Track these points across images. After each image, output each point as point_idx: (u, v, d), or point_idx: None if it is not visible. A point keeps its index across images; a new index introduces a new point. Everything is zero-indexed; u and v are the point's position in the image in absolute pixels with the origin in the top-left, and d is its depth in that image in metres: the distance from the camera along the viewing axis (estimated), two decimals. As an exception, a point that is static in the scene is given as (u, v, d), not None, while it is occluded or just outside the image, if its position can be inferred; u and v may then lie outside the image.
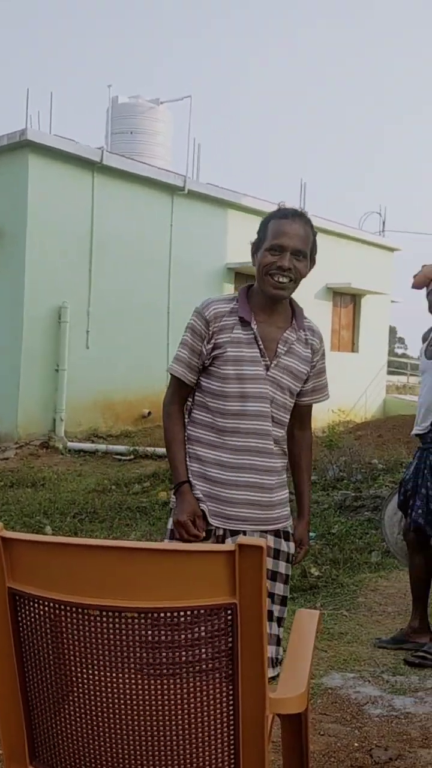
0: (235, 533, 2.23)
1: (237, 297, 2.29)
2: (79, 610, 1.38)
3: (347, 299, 17.43)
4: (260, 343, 2.22)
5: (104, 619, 1.35)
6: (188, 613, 1.33)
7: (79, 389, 11.71)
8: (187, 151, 15.49)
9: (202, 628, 1.34)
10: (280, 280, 2.19)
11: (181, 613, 1.33)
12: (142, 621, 1.34)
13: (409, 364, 26.90)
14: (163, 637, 1.35)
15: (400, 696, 3.08)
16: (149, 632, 1.35)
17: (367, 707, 2.99)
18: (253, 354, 2.21)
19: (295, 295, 2.37)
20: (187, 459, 2.29)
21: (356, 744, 2.69)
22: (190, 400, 2.34)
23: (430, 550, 3.67)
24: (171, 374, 2.33)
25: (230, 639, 1.35)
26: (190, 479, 2.26)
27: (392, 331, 29.73)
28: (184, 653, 1.37)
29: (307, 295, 15.63)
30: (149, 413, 12.21)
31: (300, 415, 2.41)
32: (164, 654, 1.37)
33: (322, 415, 14.68)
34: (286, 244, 2.17)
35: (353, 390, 17.02)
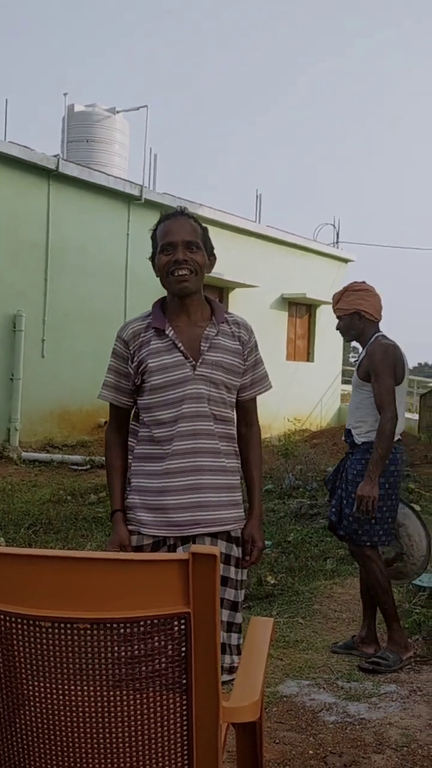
0: (185, 541, 2.23)
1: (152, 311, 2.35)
2: (31, 621, 1.37)
3: (302, 309, 17.60)
4: (180, 346, 2.25)
5: (56, 630, 1.34)
6: (141, 623, 1.32)
7: (35, 399, 11.57)
8: (144, 160, 15.43)
9: (156, 639, 1.34)
10: (180, 273, 2.23)
11: (135, 624, 1.32)
12: (95, 632, 1.33)
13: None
14: (116, 648, 1.34)
15: (354, 702, 3.11)
16: (102, 643, 1.34)
17: (322, 714, 3.01)
18: (175, 359, 2.24)
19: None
20: (134, 479, 2.33)
21: (311, 751, 2.70)
22: (134, 422, 2.38)
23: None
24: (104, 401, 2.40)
25: (183, 648, 1.35)
26: (134, 499, 2.30)
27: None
28: (137, 664, 1.36)
29: (263, 306, 15.74)
30: (105, 422, 12.05)
31: (244, 411, 2.43)
32: (117, 665, 1.36)
33: (277, 424, 14.78)
34: (174, 240, 2.24)
35: (309, 399, 17.18)
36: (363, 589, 3.75)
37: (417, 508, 4.02)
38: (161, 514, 2.23)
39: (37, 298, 11.66)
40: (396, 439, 3.56)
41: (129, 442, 2.38)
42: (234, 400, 2.35)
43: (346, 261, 19.01)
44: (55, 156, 11.98)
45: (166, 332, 2.26)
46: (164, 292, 2.36)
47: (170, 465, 2.23)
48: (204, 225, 2.36)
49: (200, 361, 2.25)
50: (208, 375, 2.25)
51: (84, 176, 12.24)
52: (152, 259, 2.32)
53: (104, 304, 12.58)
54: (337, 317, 3.72)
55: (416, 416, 15.72)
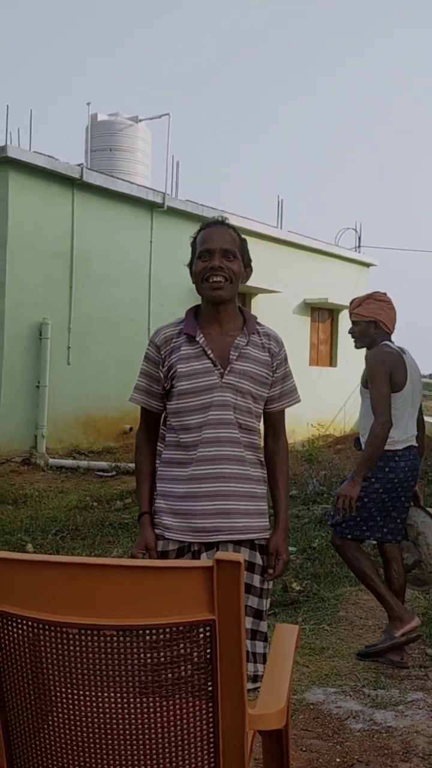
0: (209, 547, 2.24)
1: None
2: (58, 628, 1.38)
3: (325, 314, 17.54)
4: (209, 353, 2.27)
5: (83, 637, 1.36)
6: (167, 630, 1.33)
7: (61, 405, 11.66)
8: (166, 168, 15.59)
9: (181, 646, 1.35)
10: (215, 279, 2.26)
11: (160, 631, 1.34)
12: (121, 639, 1.35)
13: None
14: (141, 655, 1.36)
15: (381, 710, 3.09)
16: (128, 650, 1.35)
17: (348, 722, 2.99)
18: (204, 366, 2.27)
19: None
20: (160, 483, 2.35)
21: (338, 759, 2.69)
22: (164, 427, 2.40)
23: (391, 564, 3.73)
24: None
25: (209, 656, 1.36)
26: (160, 503, 2.33)
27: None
28: (163, 671, 1.37)
29: (286, 311, 15.71)
30: (131, 429, 12.16)
31: (272, 424, 2.44)
32: (143, 671, 1.37)
33: (301, 429, 14.73)
34: (212, 247, 2.28)
35: (332, 404, 17.10)
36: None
37: None
38: (185, 519, 2.25)
39: (62, 306, 11.76)
40: (403, 447, 3.59)
41: (158, 447, 2.41)
42: (260, 411, 2.36)
43: (368, 265, 18.92)
44: (78, 165, 12.09)
45: (197, 339, 2.29)
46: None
47: (195, 471, 2.24)
48: (243, 237, 2.39)
49: (228, 369, 2.26)
50: (235, 383, 2.26)
51: (107, 185, 12.33)
52: (190, 265, 2.36)
53: (128, 311, 12.65)
54: (353, 322, 3.79)
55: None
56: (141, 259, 12.95)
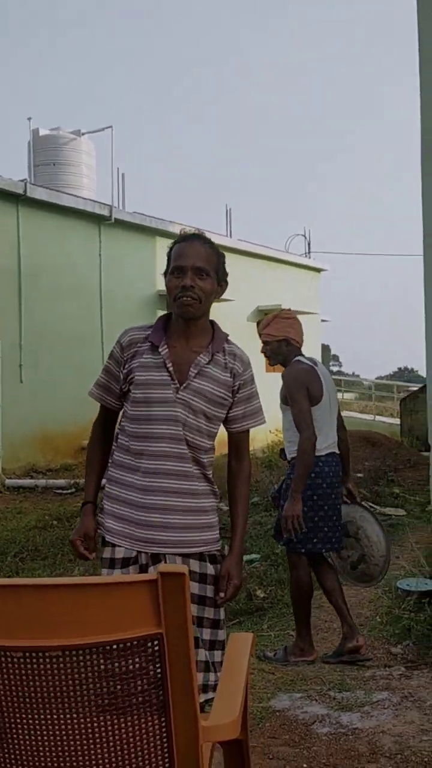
0: (156, 560, 2.21)
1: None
2: (3, 653, 1.34)
3: (280, 320, 17.68)
4: (169, 366, 2.24)
5: (27, 660, 1.32)
6: (112, 647, 1.30)
7: (16, 424, 11.49)
8: (112, 180, 15.50)
9: (129, 661, 1.32)
10: (185, 299, 2.23)
11: (106, 648, 1.30)
12: (67, 659, 1.31)
13: (344, 381, 27.48)
14: (89, 674, 1.32)
15: (347, 712, 3.08)
16: (74, 670, 1.32)
17: (315, 726, 2.98)
18: (161, 377, 2.23)
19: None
20: (108, 485, 2.34)
21: (305, 765, 2.68)
22: (119, 426, 2.37)
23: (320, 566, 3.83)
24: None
25: (159, 670, 1.33)
26: (106, 505, 2.31)
27: (326, 349, 30.40)
28: (112, 688, 1.34)
29: (240, 319, 15.78)
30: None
31: (235, 444, 2.41)
32: (92, 691, 1.34)
33: (260, 436, 14.78)
34: (185, 264, 2.23)
35: (291, 409, 17.21)
36: (324, 591, 3.82)
37: (375, 508, 4.12)
38: (126, 525, 2.24)
39: (12, 324, 11.61)
40: (326, 453, 3.74)
41: (112, 446, 2.37)
42: (214, 431, 2.32)
43: (319, 270, 19.14)
44: (22, 181, 11.99)
45: (160, 349, 2.25)
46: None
47: (140, 481, 2.23)
48: (221, 251, 2.35)
49: (185, 385, 2.23)
50: (189, 401, 2.23)
51: (53, 199, 12.25)
52: (165, 274, 2.32)
53: (80, 325, 12.56)
54: (264, 342, 3.89)
55: (398, 421, 15.78)
56: (90, 273, 12.88)
